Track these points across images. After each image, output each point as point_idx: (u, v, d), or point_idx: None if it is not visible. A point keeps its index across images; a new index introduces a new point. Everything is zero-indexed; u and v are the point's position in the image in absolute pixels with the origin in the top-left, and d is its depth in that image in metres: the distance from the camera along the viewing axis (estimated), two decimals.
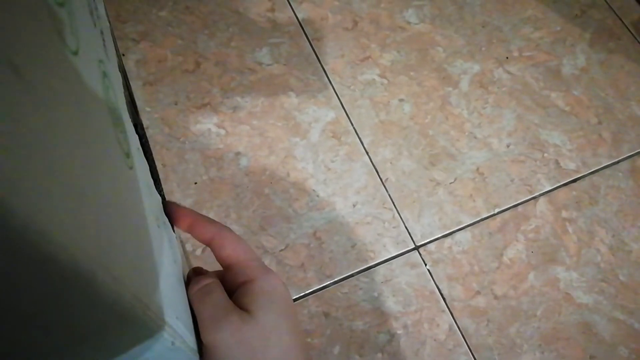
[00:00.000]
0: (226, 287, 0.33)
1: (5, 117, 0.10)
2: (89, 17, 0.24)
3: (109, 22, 0.36)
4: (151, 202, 0.32)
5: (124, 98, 0.30)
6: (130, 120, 0.30)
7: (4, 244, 0.10)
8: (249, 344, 0.30)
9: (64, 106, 0.15)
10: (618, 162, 0.85)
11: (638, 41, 0.97)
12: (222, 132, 0.81)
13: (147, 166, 0.36)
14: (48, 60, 0.14)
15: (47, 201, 0.12)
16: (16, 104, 0.10)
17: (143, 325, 0.21)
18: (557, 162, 0.84)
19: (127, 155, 0.26)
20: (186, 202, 0.74)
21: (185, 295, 0.39)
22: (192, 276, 0.34)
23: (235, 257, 0.33)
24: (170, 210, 0.34)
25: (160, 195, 0.50)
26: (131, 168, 0.26)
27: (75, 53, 0.17)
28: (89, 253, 0.14)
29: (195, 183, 0.76)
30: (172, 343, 0.28)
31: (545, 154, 0.85)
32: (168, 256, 0.33)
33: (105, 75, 0.24)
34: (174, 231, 0.48)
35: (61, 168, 0.13)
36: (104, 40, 0.27)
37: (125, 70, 0.42)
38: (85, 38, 0.21)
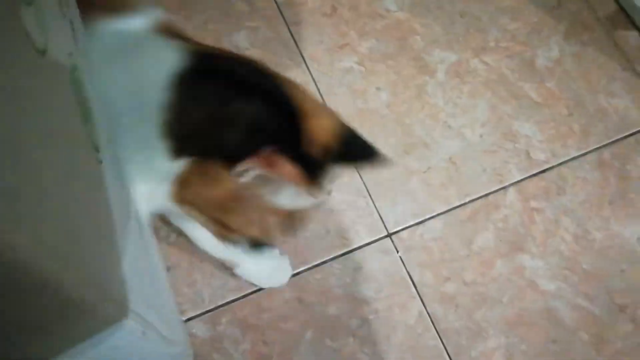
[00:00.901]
0: None
1: None
2: (58, 9, 0.23)
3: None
4: (122, 195, 0.32)
5: (92, 86, 0.29)
6: (101, 109, 0.30)
7: None
8: None
9: (31, 109, 0.15)
10: (585, 154, 0.87)
11: (610, 35, 0.99)
12: None
13: (118, 157, 0.35)
14: (14, 64, 0.14)
15: (10, 208, 0.12)
16: None
17: (106, 315, 0.22)
18: (527, 153, 0.86)
19: (97, 149, 0.26)
20: None
21: (161, 284, 0.39)
22: None
23: None
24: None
25: None
26: (101, 162, 0.26)
27: (44, 52, 0.17)
28: (54, 261, 0.15)
29: None
30: (143, 332, 0.29)
31: (517, 145, 0.87)
32: (137, 247, 0.33)
33: (75, 68, 0.24)
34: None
35: (26, 173, 0.13)
36: (73, 30, 0.27)
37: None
38: (54, 33, 0.21)
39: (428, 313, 0.74)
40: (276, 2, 0.91)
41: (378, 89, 0.88)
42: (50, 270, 0.16)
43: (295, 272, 0.73)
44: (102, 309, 0.21)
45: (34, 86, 0.16)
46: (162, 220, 0.72)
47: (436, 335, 0.73)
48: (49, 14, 0.21)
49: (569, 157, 0.87)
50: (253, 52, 0.86)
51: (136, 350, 0.29)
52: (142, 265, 0.33)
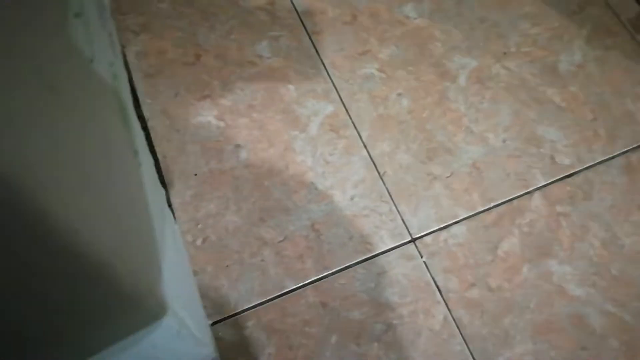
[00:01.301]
0: None
1: (46, 132, 0.11)
2: (99, 21, 0.24)
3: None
4: (155, 196, 0.33)
5: (130, 95, 0.30)
6: (136, 117, 0.31)
7: (42, 240, 0.11)
8: None
9: (86, 113, 0.16)
10: (612, 158, 0.86)
11: (634, 38, 0.98)
12: (222, 124, 0.82)
13: (152, 160, 0.36)
14: (71, 72, 0.15)
15: (77, 203, 0.13)
16: (52, 117, 0.11)
17: (149, 310, 0.22)
18: (552, 158, 0.85)
19: (136, 153, 0.26)
20: (186, 194, 0.75)
21: (192, 286, 0.40)
22: None
23: None
24: None
25: (163, 186, 0.51)
26: (140, 165, 0.27)
27: (91, 61, 0.18)
28: (109, 247, 0.15)
29: (195, 175, 0.77)
30: (178, 331, 0.30)
31: (541, 150, 0.86)
32: (171, 247, 0.34)
33: (115, 76, 0.25)
34: (175, 222, 0.49)
35: (87, 172, 0.14)
36: (112, 42, 0.28)
37: (127, 63, 0.43)
38: (98, 44, 0.22)
39: (453, 318, 0.73)
40: (297, 12, 0.92)
41: (399, 95, 0.88)
42: (106, 260, 0.16)
43: (319, 276, 0.73)
44: (146, 304, 0.22)
45: (85, 90, 0.17)
46: (188, 225, 0.73)
47: (462, 341, 0.72)
48: (94, 25, 0.22)
49: (595, 162, 0.85)
50: (275, 61, 0.88)
51: (171, 349, 0.29)
52: (176, 267, 0.34)
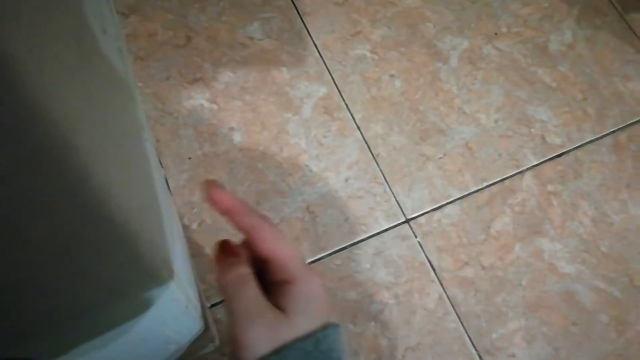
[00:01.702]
0: (262, 277, 0.32)
1: (83, 94, 0.11)
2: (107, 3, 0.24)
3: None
4: (159, 174, 0.33)
5: (132, 72, 0.30)
6: (138, 93, 0.31)
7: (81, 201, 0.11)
8: (280, 341, 0.29)
9: (106, 86, 0.16)
10: (602, 137, 0.87)
11: (623, 18, 0.98)
12: (215, 107, 0.81)
13: (153, 139, 0.36)
14: (93, 43, 0.15)
15: (111, 169, 0.13)
16: (87, 82, 0.11)
17: (163, 282, 0.22)
18: (543, 137, 0.86)
19: (143, 127, 0.26)
20: (181, 178, 0.75)
21: (191, 268, 0.40)
22: (221, 256, 0.32)
23: (274, 253, 0.31)
24: (209, 191, 0.32)
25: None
26: (147, 140, 0.27)
27: (104, 31, 0.18)
28: (133, 215, 0.15)
29: (190, 158, 0.77)
30: (186, 306, 0.30)
31: (532, 129, 0.87)
32: (177, 227, 0.34)
33: (120, 51, 0.25)
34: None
35: (117, 140, 0.14)
36: (113, 16, 0.28)
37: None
38: (105, 16, 0.22)
39: (448, 297, 0.74)
40: None
41: (392, 76, 0.88)
42: (132, 225, 0.16)
43: (315, 258, 0.73)
44: (161, 275, 0.22)
45: (108, 57, 0.17)
46: (183, 208, 0.73)
47: (456, 318, 0.73)
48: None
49: (584, 141, 0.87)
50: (267, 43, 0.87)
51: (179, 326, 0.30)
52: (180, 245, 0.34)
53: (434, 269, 0.75)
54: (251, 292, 0.30)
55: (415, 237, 0.77)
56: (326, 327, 0.31)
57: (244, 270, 0.31)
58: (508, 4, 0.98)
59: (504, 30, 0.95)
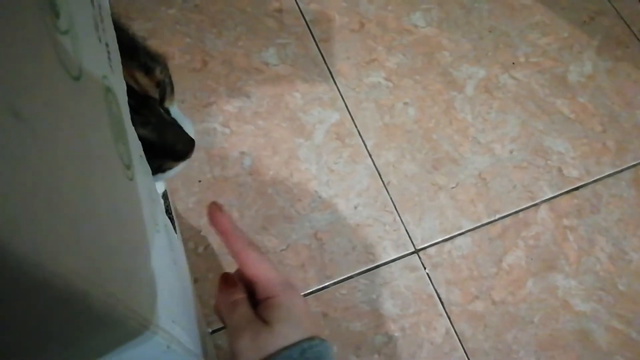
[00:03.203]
0: (252, 298, 0.37)
1: (7, 164, 0.11)
2: (94, 33, 0.24)
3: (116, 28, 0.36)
4: (152, 208, 0.33)
5: (127, 106, 0.30)
6: (132, 127, 0.31)
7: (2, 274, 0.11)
8: (262, 347, 0.33)
9: (64, 138, 0.16)
10: (621, 171, 0.85)
11: None
12: (227, 131, 0.82)
13: (149, 170, 0.36)
14: (49, 95, 0.14)
15: (45, 237, 0.12)
16: (17, 147, 0.11)
17: (132, 330, 0.22)
18: (560, 170, 0.84)
19: (128, 167, 0.26)
20: (190, 200, 0.75)
21: (188, 297, 0.40)
22: (223, 286, 0.38)
23: (257, 276, 0.37)
24: (211, 211, 0.38)
25: (164, 196, 0.51)
26: (131, 179, 0.26)
27: (77, 78, 0.18)
28: (82, 276, 0.15)
29: (200, 181, 0.77)
30: (168, 347, 0.29)
31: (549, 161, 0.85)
32: (166, 261, 0.34)
33: (108, 89, 0.25)
34: (175, 231, 0.49)
35: (61, 202, 0.14)
36: (108, 52, 0.28)
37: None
38: (88, 57, 0.21)
39: (456, 332, 0.72)
40: (305, 19, 0.92)
41: (405, 104, 0.88)
42: (74, 287, 0.16)
43: (320, 286, 0.73)
44: (126, 325, 0.21)
45: (66, 111, 0.17)
46: (190, 232, 0.73)
47: (464, 355, 0.71)
48: (85, 39, 0.22)
49: (603, 175, 0.84)
50: (282, 69, 0.88)
51: None
52: (171, 279, 0.34)
53: (442, 302, 0.74)
54: (242, 309, 0.36)
55: (424, 268, 0.76)
56: (313, 339, 0.35)
57: (239, 296, 0.37)
58: (526, 34, 0.97)
59: (522, 59, 0.94)
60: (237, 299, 0.37)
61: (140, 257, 0.25)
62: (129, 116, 0.31)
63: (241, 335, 0.34)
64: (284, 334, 0.34)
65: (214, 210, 0.39)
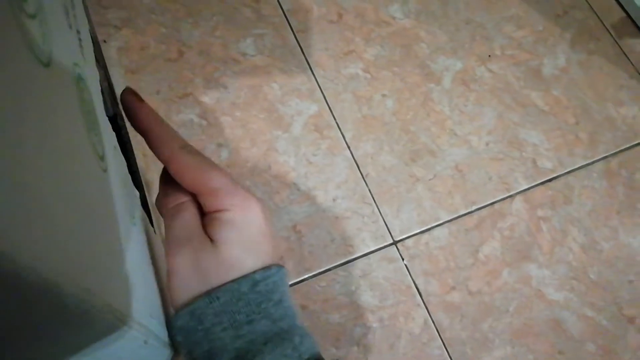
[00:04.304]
0: (200, 207, 0.29)
1: None
2: (65, 19, 0.23)
3: (87, 12, 0.35)
4: (126, 201, 0.32)
5: (100, 95, 0.29)
6: (105, 117, 0.30)
7: None
8: (205, 273, 0.27)
9: (33, 127, 0.15)
10: (593, 162, 0.87)
11: (617, 43, 0.98)
12: (204, 122, 0.80)
13: (124, 161, 0.35)
14: (16, 81, 0.14)
15: (14, 228, 0.12)
16: None
17: (108, 325, 0.21)
18: (534, 161, 0.86)
19: (102, 157, 0.25)
20: None
21: (154, 286, 0.38)
22: (164, 186, 0.30)
23: (197, 187, 0.28)
24: (127, 105, 0.28)
25: (139, 187, 0.50)
26: (105, 170, 0.25)
27: (47, 65, 0.17)
28: (56, 269, 0.14)
29: None
30: (145, 342, 0.29)
31: (523, 153, 0.86)
32: (143, 253, 0.33)
33: (80, 78, 0.24)
34: (152, 224, 0.48)
35: (29, 193, 0.13)
36: (80, 39, 0.27)
37: (104, 59, 0.42)
38: (59, 44, 0.21)
39: (433, 322, 0.73)
40: (282, 10, 0.91)
41: (384, 95, 0.88)
42: (48, 281, 0.15)
43: (299, 279, 0.72)
44: (102, 320, 0.21)
45: (35, 99, 0.16)
46: None
47: (441, 344, 0.72)
48: (54, 24, 0.21)
49: (576, 166, 0.86)
50: (260, 59, 0.86)
51: (137, 358, 0.29)
52: (147, 272, 0.33)
53: (420, 293, 0.74)
54: (186, 217, 0.28)
55: (402, 259, 0.76)
56: (268, 268, 0.28)
57: (183, 198, 0.29)
58: (502, 26, 0.98)
59: (498, 52, 0.95)
60: (181, 202, 0.28)
61: (115, 251, 0.24)
62: (102, 106, 0.30)
63: (179, 252, 0.27)
64: (232, 257, 0.27)
65: (131, 99, 0.28)
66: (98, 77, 0.30)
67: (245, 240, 0.28)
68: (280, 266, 0.29)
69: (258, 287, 0.27)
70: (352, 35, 0.92)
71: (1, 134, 0.12)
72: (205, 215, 0.29)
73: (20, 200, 0.13)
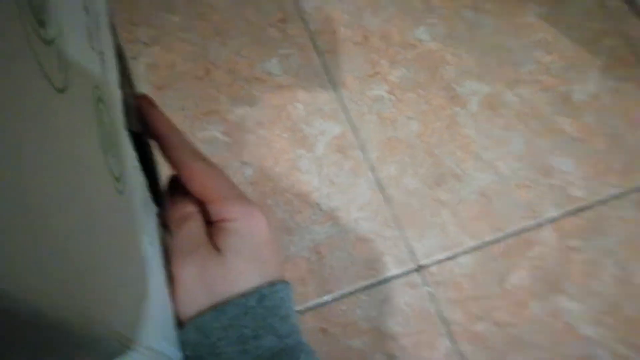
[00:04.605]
0: (207, 217, 0.29)
1: None
2: (87, 41, 0.23)
3: (114, 31, 0.35)
4: (145, 220, 0.31)
5: (122, 115, 0.28)
6: (127, 137, 0.29)
7: None
8: (211, 283, 0.27)
9: (45, 154, 0.14)
10: (627, 192, 0.83)
11: None
12: (228, 140, 0.80)
13: (143, 181, 0.34)
14: (24, 109, 0.13)
15: (18, 265, 0.11)
16: None
17: (113, 351, 0.20)
18: (564, 189, 0.83)
19: (118, 179, 0.24)
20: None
21: (168, 306, 0.37)
22: (172, 195, 0.30)
23: (206, 194, 0.28)
24: (144, 107, 0.29)
25: (160, 202, 0.49)
26: (121, 192, 0.24)
27: (63, 90, 0.16)
28: (57, 301, 0.13)
29: None
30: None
31: (553, 180, 0.84)
32: (157, 274, 0.32)
33: (99, 100, 0.23)
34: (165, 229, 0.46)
35: (41, 228, 0.12)
36: (103, 60, 0.26)
37: (130, 77, 0.41)
38: (77, 68, 0.20)
39: (457, 352, 0.70)
40: (309, 30, 0.92)
41: (408, 118, 0.87)
42: (80, 320, 0.14)
43: (319, 301, 0.70)
44: (107, 346, 0.19)
45: (46, 125, 0.15)
46: None
47: None
48: (74, 49, 0.20)
49: (608, 196, 0.83)
50: (284, 79, 0.86)
51: None
52: (162, 291, 0.31)
53: (444, 322, 0.71)
54: (193, 227, 0.28)
55: (426, 286, 0.74)
56: (274, 284, 0.28)
57: (190, 209, 0.29)
58: (531, 51, 0.96)
59: (526, 77, 0.93)
60: (187, 212, 0.29)
61: (128, 274, 0.23)
62: (123, 125, 0.29)
63: (185, 261, 0.27)
64: (238, 267, 0.27)
65: (146, 105, 0.29)
66: (121, 97, 0.30)
67: (251, 250, 0.28)
68: (286, 282, 0.28)
69: (265, 302, 0.27)
70: (378, 57, 0.92)
71: (8, 162, 0.11)
72: (211, 225, 0.29)
73: (24, 237, 0.12)
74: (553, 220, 0.80)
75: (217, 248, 0.28)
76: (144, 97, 0.29)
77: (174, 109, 0.81)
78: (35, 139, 0.13)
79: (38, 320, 0.12)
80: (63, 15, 0.19)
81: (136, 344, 0.20)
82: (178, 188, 0.29)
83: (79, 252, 0.16)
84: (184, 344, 0.27)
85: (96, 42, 0.25)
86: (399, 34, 0.95)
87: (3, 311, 0.11)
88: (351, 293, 0.71)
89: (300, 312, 0.69)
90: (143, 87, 0.82)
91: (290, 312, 0.29)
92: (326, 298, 0.71)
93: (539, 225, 0.80)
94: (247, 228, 0.28)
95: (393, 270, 0.74)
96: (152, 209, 0.36)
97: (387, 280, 0.73)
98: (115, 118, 0.26)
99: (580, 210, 0.81)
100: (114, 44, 0.31)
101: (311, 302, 0.70)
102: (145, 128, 0.29)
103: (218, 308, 0.26)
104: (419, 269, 0.74)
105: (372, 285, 0.72)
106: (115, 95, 0.28)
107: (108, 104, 0.25)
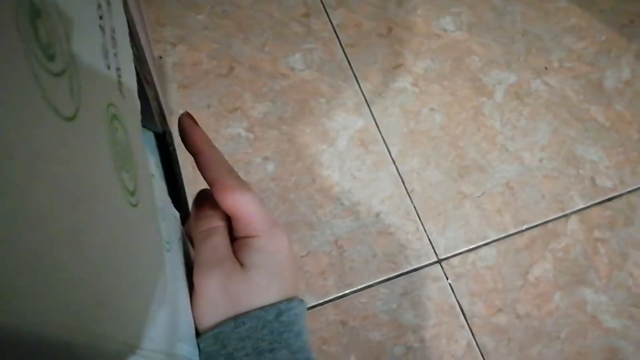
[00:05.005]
0: (230, 233, 0.31)
1: None
2: (102, 61, 0.24)
3: (134, 37, 0.36)
4: (163, 227, 0.32)
5: (139, 126, 0.30)
6: (143, 149, 0.30)
7: None
8: (234, 297, 0.28)
9: (55, 195, 0.15)
10: None
11: None
12: (252, 136, 0.82)
13: (163, 186, 0.36)
14: (29, 139, 0.14)
15: (40, 303, 0.12)
16: None
17: (119, 355, 0.22)
18: (592, 179, 0.81)
19: (132, 193, 0.26)
20: None
21: (189, 307, 0.39)
22: (199, 209, 0.31)
23: (236, 210, 0.30)
24: (184, 128, 0.31)
25: (182, 205, 0.51)
26: (135, 205, 0.26)
27: (72, 118, 0.17)
28: (64, 326, 0.14)
29: None
30: None
31: (581, 171, 0.82)
32: (179, 277, 0.33)
33: (114, 117, 0.24)
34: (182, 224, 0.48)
35: (53, 270, 0.13)
36: (119, 76, 0.27)
37: (155, 79, 0.44)
38: (91, 91, 0.21)
39: (478, 345, 0.70)
40: (332, 24, 0.92)
41: (432, 110, 0.86)
42: (87, 340, 0.15)
43: (340, 294, 0.72)
44: (116, 350, 0.21)
45: (52, 155, 0.16)
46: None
47: None
48: (87, 73, 0.21)
49: (638, 185, 0.81)
50: (308, 74, 0.88)
51: None
52: (180, 294, 0.33)
53: (464, 314, 0.72)
54: (217, 241, 0.30)
55: (447, 278, 0.74)
56: (291, 300, 0.29)
57: (217, 224, 0.30)
58: (561, 38, 0.93)
59: (556, 65, 0.91)
60: (213, 227, 0.30)
61: (142, 286, 0.25)
62: (140, 136, 0.31)
63: (210, 274, 0.28)
64: (260, 284, 0.28)
65: (188, 123, 0.31)
66: (137, 106, 0.31)
67: (273, 267, 0.29)
68: (301, 300, 0.30)
69: (282, 317, 0.28)
70: (402, 48, 0.91)
71: (14, 193, 0.12)
72: (235, 241, 0.31)
73: (28, 263, 0.13)
74: (579, 211, 0.79)
75: (241, 263, 0.29)
76: (187, 114, 0.31)
77: (200, 107, 0.84)
78: (42, 174, 0.14)
79: (43, 347, 0.14)
80: (76, 43, 0.20)
81: (144, 350, 0.22)
82: (205, 202, 0.31)
83: (94, 280, 0.17)
84: (199, 353, 0.29)
85: (112, 59, 0.27)
86: (424, 24, 0.94)
87: (9, 342, 0.12)
88: (371, 286, 0.73)
89: (321, 305, 0.72)
90: (169, 86, 0.85)
91: (303, 329, 0.30)
92: (346, 291, 0.72)
93: (565, 217, 0.78)
94: (271, 245, 0.29)
95: (414, 263, 0.75)
96: (171, 212, 0.38)
97: (407, 273, 0.74)
98: (131, 131, 0.27)
99: (609, 200, 0.80)
100: (133, 52, 0.32)
101: (332, 295, 0.72)
102: (185, 144, 0.32)
103: (238, 319, 0.28)
104: (440, 261, 0.75)
105: (393, 278, 0.74)
106: (134, 106, 0.29)
107: (124, 119, 0.26)
